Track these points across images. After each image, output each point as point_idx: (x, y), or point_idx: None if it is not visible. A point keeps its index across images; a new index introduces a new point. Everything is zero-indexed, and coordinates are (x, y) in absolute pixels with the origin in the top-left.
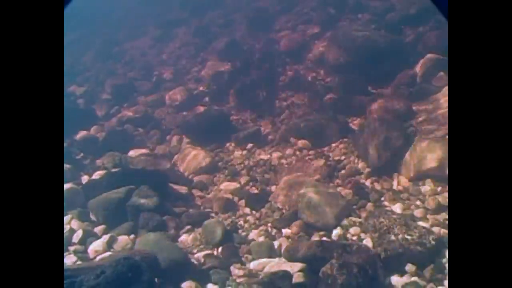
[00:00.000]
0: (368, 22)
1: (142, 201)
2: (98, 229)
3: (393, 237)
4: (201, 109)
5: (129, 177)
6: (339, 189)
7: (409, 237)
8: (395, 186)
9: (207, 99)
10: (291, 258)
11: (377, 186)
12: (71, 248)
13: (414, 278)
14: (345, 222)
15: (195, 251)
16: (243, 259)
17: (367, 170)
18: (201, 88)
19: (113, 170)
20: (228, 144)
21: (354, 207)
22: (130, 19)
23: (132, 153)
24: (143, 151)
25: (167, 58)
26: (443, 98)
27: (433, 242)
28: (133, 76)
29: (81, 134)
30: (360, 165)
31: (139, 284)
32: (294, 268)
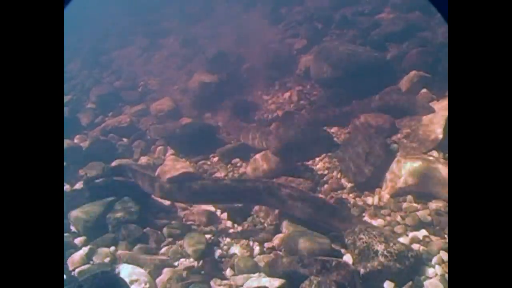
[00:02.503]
0: (353, 38)
1: (123, 213)
2: (78, 240)
3: (372, 254)
4: (187, 120)
5: (111, 188)
6: None
7: (388, 254)
8: (376, 202)
9: (193, 110)
10: (271, 273)
11: (359, 202)
12: None
13: None
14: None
15: (175, 263)
16: (224, 273)
17: (350, 185)
18: (187, 99)
19: (96, 180)
20: (212, 157)
21: None
22: (118, 28)
23: (116, 163)
24: (127, 161)
25: (154, 68)
26: (425, 115)
27: (412, 260)
28: (119, 86)
29: (65, 143)
30: (343, 180)
31: None
32: (274, 283)
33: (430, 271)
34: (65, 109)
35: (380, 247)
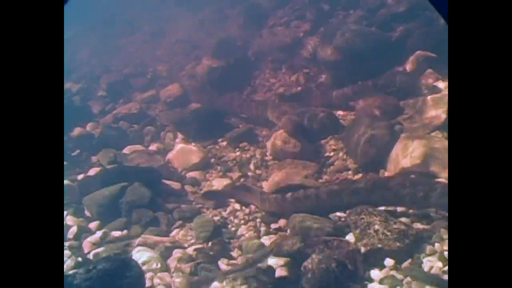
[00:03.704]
0: (360, 19)
1: (135, 198)
2: (92, 225)
3: (373, 233)
4: (196, 105)
5: (123, 174)
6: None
7: (388, 233)
8: None
9: (201, 95)
10: (277, 253)
11: None
12: (66, 244)
13: (393, 272)
14: (330, 217)
15: (186, 245)
16: (231, 254)
17: (355, 166)
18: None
19: (108, 167)
20: (220, 141)
21: None
22: (126, 15)
23: (127, 149)
24: (138, 147)
25: (162, 54)
26: (430, 95)
27: (412, 238)
28: (128, 73)
29: (77, 131)
30: (349, 161)
31: (127, 279)
32: (279, 262)
33: (429, 248)
34: (76, 97)
35: (380, 226)
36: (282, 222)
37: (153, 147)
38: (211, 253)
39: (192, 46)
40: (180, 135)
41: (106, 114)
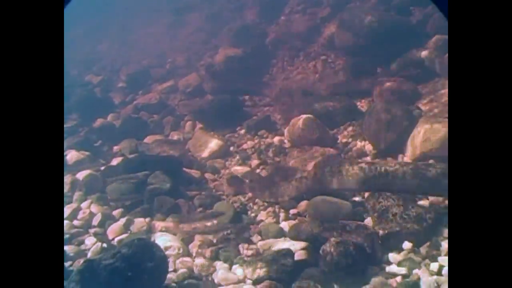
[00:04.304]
0: (378, 4)
1: (157, 185)
2: (116, 213)
3: (391, 217)
4: (214, 95)
5: (145, 163)
6: None
7: (406, 216)
8: None
9: (219, 84)
10: (295, 238)
11: None
12: (91, 231)
13: (411, 255)
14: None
15: (206, 230)
16: (251, 239)
17: (373, 151)
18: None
19: (130, 156)
20: (239, 129)
21: None
22: (144, 6)
23: (148, 139)
24: (158, 137)
25: (180, 44)
26: (447, 79)
27: (429, 221)
28: (147, 64)
29: (99, 121)
30: (367, 147)
31: (151, 262)
32: (298, 246)
33: (447, 231)
34: (97, 89)
35: (398, 210)
36: (301, 207)
37: (173, 136)
38: (232, 238)
39: (209, 35)
40: (199, 124)
41: (126, 105)
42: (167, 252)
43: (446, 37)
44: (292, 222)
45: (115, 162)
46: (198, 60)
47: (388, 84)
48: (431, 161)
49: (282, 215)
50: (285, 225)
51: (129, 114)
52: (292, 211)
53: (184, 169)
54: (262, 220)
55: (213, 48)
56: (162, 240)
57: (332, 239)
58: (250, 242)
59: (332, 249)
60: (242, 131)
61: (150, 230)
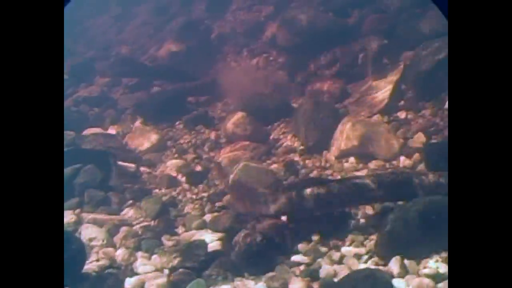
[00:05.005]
0: (318, 4)
1: (88, 178)
2: None
3: None
4: (156, 89)
5: (78, 155)
6: (273, 166)
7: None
8: (323, 163)
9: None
10: (215, 229)
11: (308, 163)
12: None
13: (318, 245)
14: None
15: (135, 223)
16: (176, 230)
17: (301, 148)
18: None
19: (65, 149)
20: (178, 124)
21: (284, 182)
22: None
23: (86, 132)
24: (97, 130)
25: (126, 37)
26: (376, 80)
27: (338, 215)
28: (92, 56)
29: None
30: (296, 143)
31: (69, 252)
32: (214, 237)
33: (353, 223)
34: None
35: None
36: (226, 200)
37: (112, 129)
38: (157, 229)
39: (156, 29)
40: (139, 118)
41: (67, 97)
42: (92, 243)
43: (378, 39)
44: (216, 214)
45: None
46: (143, 53)
47: (319, 83)
48: (351, 159)
49: (207, 207)
50: (208, 217)
51: (68, 107)
52: (217, 204)
53: (120, 162)
54: (188, 213)
55: (158, 42)
56: (87, 231)
57: (243, 230)
58: (174, 233)
59: (240, 240)
60: (181, 126)
61: (80, 222)
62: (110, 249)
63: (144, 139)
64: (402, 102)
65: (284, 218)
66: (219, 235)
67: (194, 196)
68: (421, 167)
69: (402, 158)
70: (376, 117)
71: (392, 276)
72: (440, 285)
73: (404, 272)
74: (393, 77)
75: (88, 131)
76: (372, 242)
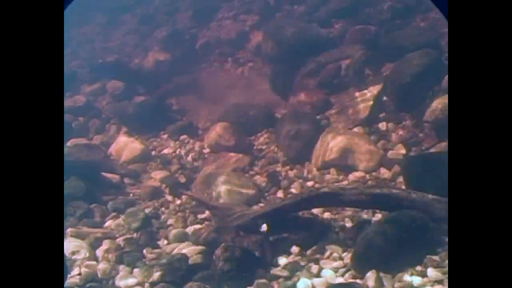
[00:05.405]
0: (303, 15)
1: (71, 190)
2: None
3: None
4: (141, 98)
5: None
6: (256, 177)
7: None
8: (305, 174)
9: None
10: (196, 242)
11: (291, 174)
12: None
13: (297, 258)
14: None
15: (117, 235)
16: (158, 243)
17: (283, 159)
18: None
19: None
20: (162, 134)
21: (266, 194)
22: (78, 5)
23: (69, 143)
24: (81, 140)
25: (112, 46)
26: (358, 91)
27: (319, 227)
28: (77, 65)
29: None
30: (279, 154)
31: None
32: (196, 250)
33: (334, 237)
34: None
35: None
36: (208, 212)
37: (96, 140)
38: (139, 242)
39: (141, 38)
40: (124, 128)
41: None
42: (74, 257)
43: (364, 49)
44: (198, 226)
45: None
46: (128, 62)
47: (302, 93)
48: (331, 170)
49: (190, 219)
50: (190, 230)
51: None
52: (200, 216)
53: (103, 173)
54: (171, 225)
55: (143, 51)
56: (70, 244)
57: (223, 244)
58: (156, 246)
59: (220, 253)
60: (165, 136)
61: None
62: (93, 263)
63: (128, 150)
64: (383, 114)
65: (264, 227)
66: (200, 248)
67: (177, 208)
68: (400, 179)
69: (382, 170)
70: (357, 129)
71: None
72: None
73: (380, 285)
74: (374, 88)
75: (72, 142)
76: (350, 255)
